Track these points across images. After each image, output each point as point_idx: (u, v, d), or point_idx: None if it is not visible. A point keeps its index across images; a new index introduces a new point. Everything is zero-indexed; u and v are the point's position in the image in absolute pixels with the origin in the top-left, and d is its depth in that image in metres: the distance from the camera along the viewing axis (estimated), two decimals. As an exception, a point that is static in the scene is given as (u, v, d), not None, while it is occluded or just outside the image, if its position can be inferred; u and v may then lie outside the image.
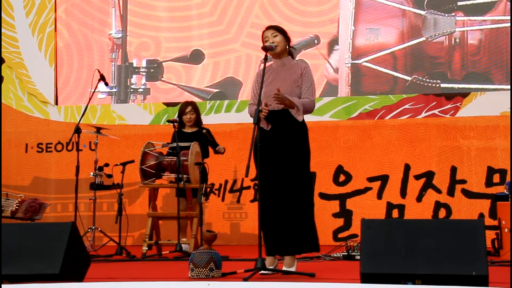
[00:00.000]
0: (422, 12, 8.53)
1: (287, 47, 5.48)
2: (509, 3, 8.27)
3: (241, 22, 9.10)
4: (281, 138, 5.28)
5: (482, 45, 8.40)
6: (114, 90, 9.37)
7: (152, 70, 9.38)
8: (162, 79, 9.33)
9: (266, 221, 5.21)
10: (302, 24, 8.81)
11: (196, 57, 9.23)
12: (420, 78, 8.48)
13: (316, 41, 8.82)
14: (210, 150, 7.66)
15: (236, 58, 9.09)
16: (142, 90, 9.37)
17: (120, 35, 9.45)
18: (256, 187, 8.20)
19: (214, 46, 9.15)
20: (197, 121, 7.73)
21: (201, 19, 9.22)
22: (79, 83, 9.41)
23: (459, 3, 8.44)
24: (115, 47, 9.46)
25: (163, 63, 9.32)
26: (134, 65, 9.42)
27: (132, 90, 9.40)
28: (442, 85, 8.42)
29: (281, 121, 5.30)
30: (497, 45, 8.32)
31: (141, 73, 9.41)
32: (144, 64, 9.40)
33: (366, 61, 8.66)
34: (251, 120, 5.18)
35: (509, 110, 8.00)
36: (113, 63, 9.40)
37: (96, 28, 9.47)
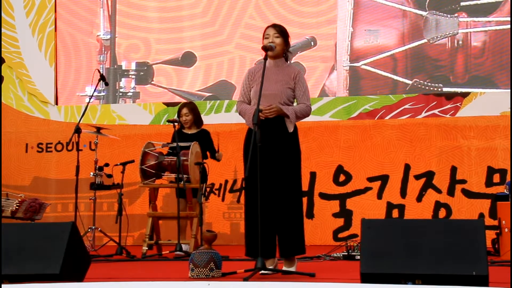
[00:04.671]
0: (424, 13, 8.50)
1: (285, 51, 5.47)
2: (513, 4, 8.23)
3: (234, 23, 9.01)
4: (271, 145, 5.23)
5: (486, 47, 8.35)
6: (103, 93, 9.29)
7: (141, 73, 9.25)
8: (152, 82, 9.22)
9: (253, 223, 5.18)
10: (298, 25, 8.71)
11: (187, 59, 9.11)
12: (421, 81, 8.43)
13: (312, 42, 8.77)
14: (208, 154, 7.66)
15: (229, 60, 9.00)
16: (131, 93, 9.28)
17: (108, 36, 9.34)
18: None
19: (206, 48, 9.04)
20: (196, 122, 7.71)
21: (193, 20, 9.12)
22: (66, 85, 9.37)
23: (462, 4, 8.38)
24: (103, 49, 9.36)
25: (153, 66, 9.23)
26: (123, 67, 9.30)
27: (121, 93, 9.31)
28: (444, 89, 8.38)
29: (272, 128, 5.27)
30: (502, 48, 8.26)
31: (130, 76, 9.31)
32: (133, 66, 9.28)
33: (365, 64, 8.62)
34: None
35: (509, 110, 7.99)
36: (101, 66, 9.27)
37: (83, 29, 9.40)
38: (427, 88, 8.43)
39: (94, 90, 7.77)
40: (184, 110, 7.68)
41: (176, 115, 7.82)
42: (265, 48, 5.30)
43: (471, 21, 8.37)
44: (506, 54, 8.20)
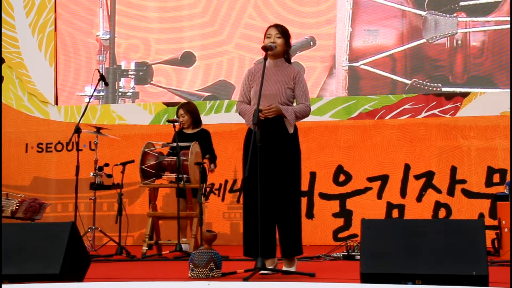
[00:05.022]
0: (423, 13, 8.50)
1: (285, 52, 5.47)
2: (512, 4, 8.23)
3: (234, 23, 8.99)
4: (271, 145, 5.22)
5: (485, 47, 8.35)
6: (102, 93, 9.27)
7: (141, 73, 9.23)
8: (152, 82, 9.20)
9: (251, 223, 5.18)
10: (297, 25, 8.67)
11: (187, 59, 9.08)
12: (420, 81, 8.43)
13: (311, 42, 8.76)
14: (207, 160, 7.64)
15: (229, 60, 8.98)
16: (130, 93, 9.27)
17: (108, 36, 9.32)
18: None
19: (206, 48, 9.03)
20: (194, 123, 7.69)
21: (192, 20, 9.11)
22: (66, 85, 9.36)
23: (461, 3, 8.38)
24: (102, 49, 9.34)
25: (153, 66, 9.22)
26: (123, 67, 9.28)
27: (120, 93, 9.29)
28: (443, 89, 8.38)
29: (272, 128, 5.26)
30: (501, 47, 8.25)
31: (129, 76, 9.29)
32: (132, 66, 9.26)
33: (364, 64, 8.61)
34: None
35: (509, 110, 7.99)
36: (101, 66, 9.25)
37: (83, 29, 9.39)
38: (426, 88, 8.43)
39: (94, 90, 7.77)
40: (181, 111, 7.67)
41: (175, 115, 7.82)
42: (265, 48, 5.30)
43: (470, 21, 8.37)
44: (505, 54, 8.20)
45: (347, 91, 8.65)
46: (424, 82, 8.44)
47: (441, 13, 8.43)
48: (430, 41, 8.45)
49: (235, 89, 8.85)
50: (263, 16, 8.84)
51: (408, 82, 8.49)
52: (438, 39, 8.44)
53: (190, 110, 7.68)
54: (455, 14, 8.40)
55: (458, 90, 8.34)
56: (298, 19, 8.76)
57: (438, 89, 8.39)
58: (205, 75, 9.05)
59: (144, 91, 9.24)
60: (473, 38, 8.38)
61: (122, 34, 9.32)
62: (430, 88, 8.41)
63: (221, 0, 9.04)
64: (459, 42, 8.38)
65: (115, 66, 9.29)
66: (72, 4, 9.44)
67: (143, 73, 9.23)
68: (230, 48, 8.98)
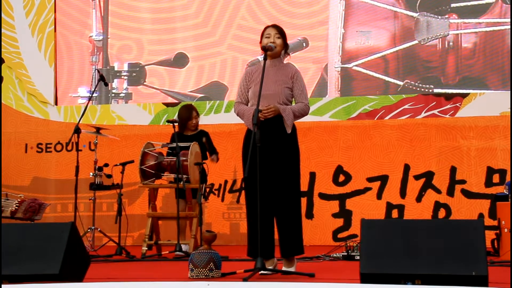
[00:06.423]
0: (415, 14, 8.50)
1: (283, 52, 5.47)
2: (504, 5, 8.23)
3: (227, 24, 8.98)
4: (270, 145, 5.22)
5: (477, 48, 8.36)
6: (95, 94, 9.25)
7: (134, 74, 9.22)
8: (145, 83, 9.20)
9: (253, 223, 5.18)
10: (290, 26, 8.61)
11: (180, 60, 9.07)
12: (412, 83, 8.43)
13: (304, 44, 8.76)
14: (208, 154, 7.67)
15: (222, 61, 8.98)
16: (124, 94, 9.26)
17: (101, 37, 9.31)
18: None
19: (198, 49, 9.02)
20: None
21: (185, 21, 9.10)
22: (60, 86, 9.36)
23: (453, 5, 8.40)
24: (95, 50, 9.33)
25: (146, 67, 9.21)
26: (116, 68, 9.27)
27: (113, 94, 9.28)
28: (435, 90, 8.39)
29: (271, 128, 5.26)
30: (492, 49, 8.27)
31: (122, 77, 9.28)
32: (126, 67, 9.26)
33: (356, 65, 8.61)
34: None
35: (509, 110, 8.00)
36: (94, 67, 9.24)
37: (77, 30, 9.38)
38: (418, 89, 8.44)
39: (94, 90, 7.78)
40: (194, 114, 7.65)
41: (176, 115, 7.80)
42: (265, 49, 5.30)
43: (462, 23, 8.38)
44: (496, 56, 8.22)
45: (339, 92, 8.65)
46: (416, 83, 8.44)
47: (432, 15, 8.43)
48: (422, 43, 8.45)
49: (228, 90, 8.86)
50: (256, 18, 8.84)
51: (400, 83, 8.49)
52: (430, 41, 8.44)
53: (198, 112, 7.74)
54: (446, 16, 8.40)
55: (450, 91, 8.34)
56: (290, 20, 8.75)
57: (430, 90, 8.39)
58: (198, 76, 9.05)
59: (137, 92, 9.23)
60: (464, 39, 8.39)
61: (115, 35, 9.32)
62: (422, 90, 8.42)
63: (214, 1, 9.04)
64: (451, 43, 8.39)
65: (108, 67, 9.28)
66: (65, 6, 9.43)
67: (136, 74, 9.22)
68: (223, 49, 8.97)
